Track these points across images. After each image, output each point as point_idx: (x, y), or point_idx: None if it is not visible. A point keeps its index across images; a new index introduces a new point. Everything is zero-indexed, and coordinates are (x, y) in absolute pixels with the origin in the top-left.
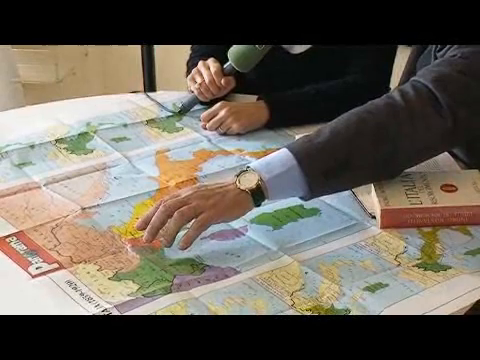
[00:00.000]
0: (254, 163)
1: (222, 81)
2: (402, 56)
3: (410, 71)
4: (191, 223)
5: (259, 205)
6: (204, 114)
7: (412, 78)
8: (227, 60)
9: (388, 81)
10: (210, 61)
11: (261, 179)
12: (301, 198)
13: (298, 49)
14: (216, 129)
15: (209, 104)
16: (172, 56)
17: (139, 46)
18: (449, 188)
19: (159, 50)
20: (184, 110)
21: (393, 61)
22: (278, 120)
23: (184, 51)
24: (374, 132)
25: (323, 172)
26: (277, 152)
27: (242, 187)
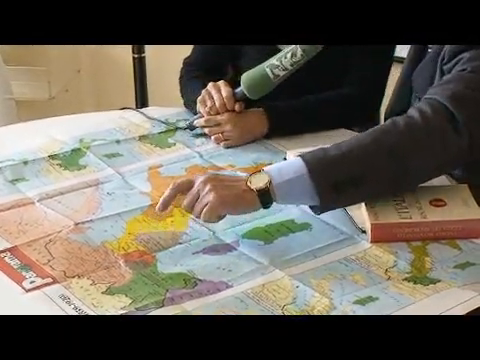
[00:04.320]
0: (268, 167)
1: (236, 107)
2: (395, 68)
3: (404, 83)
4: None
5: (268, 207)
6: (207, 118)
7: (427, 95)
8: (219, 73)
9: (383, 92)
10: (221, 84)
11: (271, 182)
12: (313, 210)
13: None
14: (216, 136)
15: None
16: (164, 72)
17: (131, 63)
18: (438, 203)
19: (151, 66)
20: (191, 128)
21: (388, 73)
22: (278, 128)
23: (176, 67)
24: (390, 151)
25: (333, 184)
26: (292, 160)
27: (251, 186)
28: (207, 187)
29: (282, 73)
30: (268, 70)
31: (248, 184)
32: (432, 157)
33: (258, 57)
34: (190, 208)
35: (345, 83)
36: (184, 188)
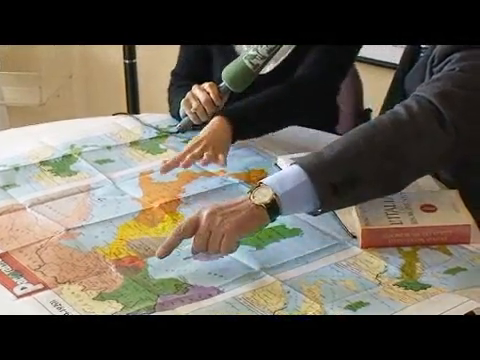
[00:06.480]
0: (266, 179)
1: (217, 102)
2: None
3: (397, 87)
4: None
5: (274, 220)
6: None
7: (415, 93)
8: (206, 81)
9: (339, 75)
10: (206, 84)
11: (275, 194)
12: (311, 213)
13: (267, 68)
14: (203, 159)
15: (203, 125)
16: (155, 78)
17: (122, 68)
18: (429, 208)
19: (142, 72)
20: (182, 131)
21: (350, 56)
22: (241, 128)
23: (167, 73)
24: (382, 149)
25: (333, 186)
26: (289, 168)
27: (257, 202)
28: (218, 219)
29: (261, 62)
30: (246, 61)
31: (253, 201)
32: (423, 154)
33: (222, 61)
34: (205, 247)
35: (298, 67)
36: (190, 232)
